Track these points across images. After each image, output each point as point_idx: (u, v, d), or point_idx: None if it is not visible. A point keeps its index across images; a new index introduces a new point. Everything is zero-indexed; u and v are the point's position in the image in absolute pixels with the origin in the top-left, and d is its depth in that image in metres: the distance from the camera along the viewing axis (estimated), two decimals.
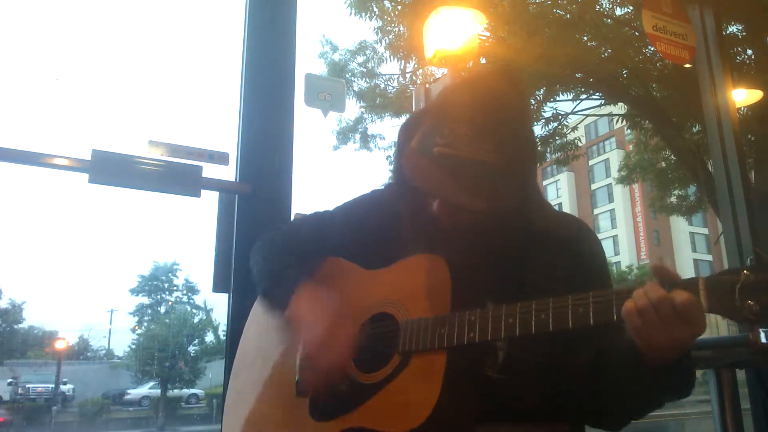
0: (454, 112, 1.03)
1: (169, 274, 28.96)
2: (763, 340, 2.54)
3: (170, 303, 28.48)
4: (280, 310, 1.13)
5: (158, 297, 28.73)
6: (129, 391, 22.67)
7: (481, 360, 1.03)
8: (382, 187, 1.31)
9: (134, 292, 28.28)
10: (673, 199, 11.12)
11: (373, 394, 1.02)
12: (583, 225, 1.20)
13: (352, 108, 9.97)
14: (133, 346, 23.57)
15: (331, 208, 1.32)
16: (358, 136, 10.66)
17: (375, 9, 7.34)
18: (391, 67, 9.76)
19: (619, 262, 34.85)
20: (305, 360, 1.10)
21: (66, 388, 22.24)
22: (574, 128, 9.56)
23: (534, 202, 1.12)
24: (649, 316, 0.84)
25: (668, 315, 0.83)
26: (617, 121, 9.43)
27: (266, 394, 1.20)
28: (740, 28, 6.22)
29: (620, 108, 9.16)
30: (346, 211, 1.29)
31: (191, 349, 23.49)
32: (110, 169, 1.67)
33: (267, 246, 1.26)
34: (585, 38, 6.90)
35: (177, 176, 1.75)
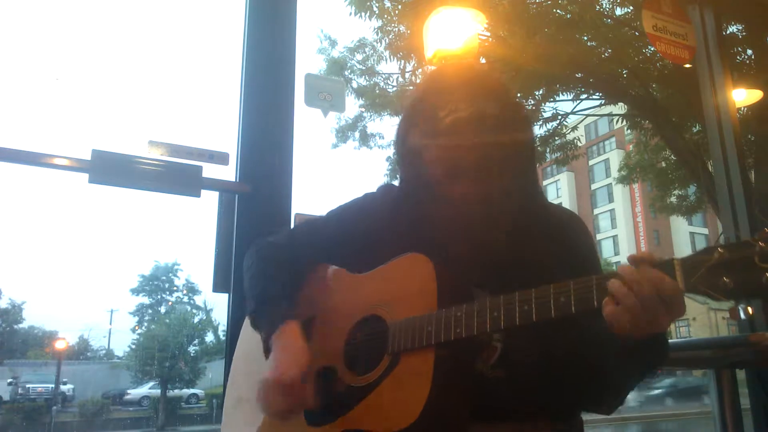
0: (447, 86, 1.09)
1: (170, 274, 29.00)
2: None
3: (170, 303, 28.50)
4: (262, 334, 1.13)
5: (158, 297, 28.76)
6: (129, 391, 22.68)
7: (474, 357, 1.04)
8: (375, 191, 1.31)
9: (135, 292, 28.34)
10: (673, 199, 11.11)
11: (364, 396, 1.03)
12: (573, 212, 1.24)
13: (352, 106, 9.97)
14: (133, 346, 23.59)
15: (325, 213, 1.32)
16: (357, 134, 10.65)
17: (375, 8, 7.34)
18: (390, 66, 9.76)
19: (619, 262, 34.81)
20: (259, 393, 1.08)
21: (66, 388, 22.25)
22: (574, 128, 9.55)
23: (535, 180, 1.18)
24: (629, 300, 0.85)
25: (647, 298, 0.84)
26: (617, 121, 9.42)
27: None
28: (740, 28, 6.21)
29: (620, 108, 9.15)
30: (339, 215, 1.29)
31: (191, 349, 23.51)
32: (110, 169, 1.67)
33: (257, 264, 1.25)
34: (585, 38, 6.89)
35: (177, 176, 1.75)
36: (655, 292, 0.84)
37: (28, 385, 20.74)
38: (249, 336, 1.31)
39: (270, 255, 1.26)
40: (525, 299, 0.93)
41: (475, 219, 1.10)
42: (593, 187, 41.06)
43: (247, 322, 1.33)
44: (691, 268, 0.83)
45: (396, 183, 1.28)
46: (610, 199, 39.77)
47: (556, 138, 8.92)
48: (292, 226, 1.82)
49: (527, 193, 1.16)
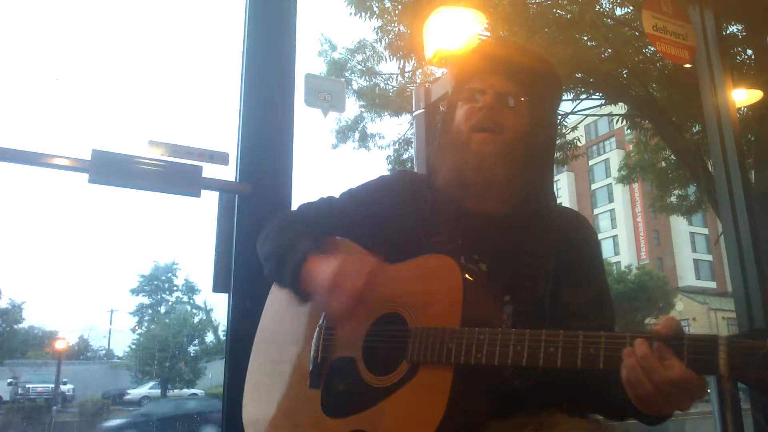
0: (483, 64, 1.21)
1: (169, 274, 28.98)
2: None
3: (170, 303, 28.49)
4: (291, 286, 1.14)
5: (158, 297, 28.74)
6: (129, 391, 22.65)
7: (494, 375, 1.02)
8: (391, 174, 1.32)
9: (134, 292, 28.30)
10: (673, 199, 11.12)
11: (380, 399, 1.02)
12: (581, 218, 1.26)
13: (352, 107, 9.99)
14: (133, 346, 23.59)
15: (338, 194, 1.33)
16: (357, 135, 10.67)
17: (375, 8, 7.34)
18: (390, 67, 9.77)
19: (619, 262, 34.84)
20: (327, 296, 1.08)
21: (66, 388, 22.22)
22: (574, 128, 9.57)
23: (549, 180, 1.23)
24: (643, 388, 0.82)
25: (663, 387, 0.81)
26: (617, 121, 9.43)
27: (281, 382, 1.20)
28: (740, 28, 6.21)
29: (620, 108, 9.16)
30: (355, 195, 1.29)
31: (191, 349, 23.50)
32: (110, 169, 1.67)
33: (273, 230, 1.26)
34: (585, 38, 6.90)
35: (177, 176, 1.75)
36: (672, 387, 0.80)
37: (28, 385, 20.72)
38: (272, 314, 1.30)
39: (285, 223, 1.26)
40: (552, 340, 0.90)
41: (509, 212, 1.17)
42: (593, 187, 41.07)
43: (270, 299, 1.32)
44: (737, 352, 0.75)
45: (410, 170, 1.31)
46: (610, 199, 39.78)
47: (557, 138, 8.91)
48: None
49: (536, 187, 1.19)
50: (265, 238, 1.26)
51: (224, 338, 1.88)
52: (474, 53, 1.27)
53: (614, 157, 34.67)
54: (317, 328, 1.16)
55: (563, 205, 1.30)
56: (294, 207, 1.89)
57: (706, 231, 37.24)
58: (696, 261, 37.90)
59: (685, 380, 0.79)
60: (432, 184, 1.23)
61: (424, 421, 0.94)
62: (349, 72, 9.65)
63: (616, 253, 37.84)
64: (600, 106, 9.58)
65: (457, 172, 1.16)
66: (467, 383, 0.96)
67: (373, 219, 1.22)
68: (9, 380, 20.94)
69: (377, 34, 8.00)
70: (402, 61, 7.80)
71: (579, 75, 7.58)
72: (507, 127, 1.14)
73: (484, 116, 1.14)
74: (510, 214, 1.17)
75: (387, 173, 1.32)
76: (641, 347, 0.82)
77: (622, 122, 9.09)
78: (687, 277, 37.01)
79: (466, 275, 1.02)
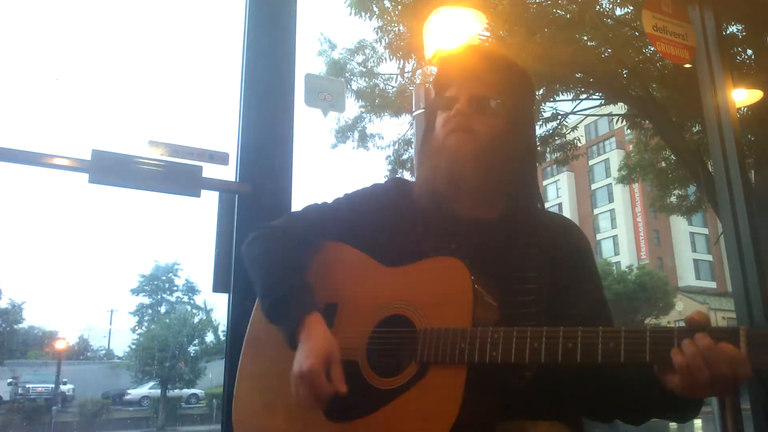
0: (459, 66, 1.24)
1: (170, 274, 28.99)
2: None
3: (171, 302, 28.51)
4: (282, 330, 1.12)
5: (159, 297, 28.75)
6: (129, 391, 22.68)
7: (506, 374, 1.02)
8: (386, 182, 1.32)
9: (135, 292, 28.31)
10: (673, 199, 11.13)
11: (388, 401, 1.01)
12: (569, 224, 1.26)
13: (351, 107, 10.00)
14: (133, 346, 23.59)
15: (332, 200, 1.32)
16: (356, 135, 10.69)
17: (375, 9, 7.34)
18: (390, 67, 9.78)
19: (619, 262, 34.82)
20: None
21: (66, 388, 22.23)
22: (574, 128, 9.58)
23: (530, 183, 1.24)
24: (702, 374, 0.83)
25: (722, 375, 0.82)
26: (617, 121, 9.44)
27: (277, 385, 1.16)
28: (740, 28, 6.21)
29: (620, 108, 9.16)
30: (349, 202, 1.29)
31: (191, 349, 23.51)
32: (110, 169, 1.67)
33: (267, 251, 1.23)
34: (585, 38, 6.90)
35: (177, 176, 1.75)
36: (731, 372, 0.82)
37: (28, 385, 20.72)
38: (259, 319, 1.26)
39: (280, 240, 1.23)
40: (570, 336, 0.90)
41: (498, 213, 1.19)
42: (593, 187, 41.05)
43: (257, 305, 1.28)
44: (758, 340, 0.80)
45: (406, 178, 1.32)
46: (610, 199, 39.76)
47: (556, 138, 8.94)
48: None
49: (519, 191, 1.21)
50: (257, 256, 1.23)
51: (224, 338, 1.88)
52: (445, 61, 1.29)
53: (614, 157, 34.65)
54: None
55: (562, 206, 1.30)
56: (293, 207, 1.90)
57: (706, 231, 37.24)
58: (696, 261, 37.91)
59: (741, 365, 0.81)
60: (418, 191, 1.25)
61: (437, 420, 0.93)
62: (349, 74, 9.65)
63: (616, 253, 37.82)
64: (600, 106, 9.59)
65: (431, 174, 1.18)
66: (479, 383, 0.96)
67: (367, 225, 1.22)
68: (9, 380, 20.94)
69: (377, 34, 8.00)
70: (402, 61, 7.80)
71: (579, 75, 7.58)
72: (481, 131, 1.15)
73: (458, 121, 1.16)
74: (498, 220, 1.18)
75: (380, 181, 1.32)
76: (704, 340, 0.83)
77: (622, 122, 9.10)
78: (687, 277, 37.02)
79: (474, 276, 1.01)
